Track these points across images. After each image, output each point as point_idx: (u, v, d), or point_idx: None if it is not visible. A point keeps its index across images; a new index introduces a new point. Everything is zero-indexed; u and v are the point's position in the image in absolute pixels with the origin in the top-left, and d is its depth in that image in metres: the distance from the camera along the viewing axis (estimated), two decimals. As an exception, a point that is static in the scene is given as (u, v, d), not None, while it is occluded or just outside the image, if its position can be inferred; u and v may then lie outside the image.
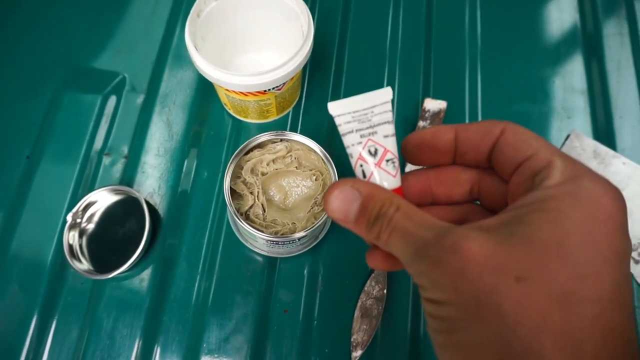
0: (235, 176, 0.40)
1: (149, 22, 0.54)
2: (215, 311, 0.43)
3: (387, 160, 0.22)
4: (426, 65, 0.54)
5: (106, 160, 0.48)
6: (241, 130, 0.49)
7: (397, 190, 0.23)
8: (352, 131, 0.23)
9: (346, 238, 0.45)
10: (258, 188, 0.39)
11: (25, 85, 0.50)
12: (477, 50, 0.55)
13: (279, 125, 0.50)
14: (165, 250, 0.45)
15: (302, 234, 0.37)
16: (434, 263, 0.18)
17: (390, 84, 0.53)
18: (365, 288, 0.43)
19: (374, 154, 0.23)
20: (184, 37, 0.53)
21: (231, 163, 0.38)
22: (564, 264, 0.17)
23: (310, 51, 0.41)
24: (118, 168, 0.47)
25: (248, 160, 0.40)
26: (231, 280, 0.44)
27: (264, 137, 0.40)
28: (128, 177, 0.47)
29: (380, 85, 0.52)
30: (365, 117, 0.23)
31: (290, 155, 0.41)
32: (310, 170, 0.41)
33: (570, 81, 0.53)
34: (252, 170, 0.40)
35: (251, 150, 0.40)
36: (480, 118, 0.51)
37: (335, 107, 0.23)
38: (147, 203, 0.45)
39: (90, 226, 0.45)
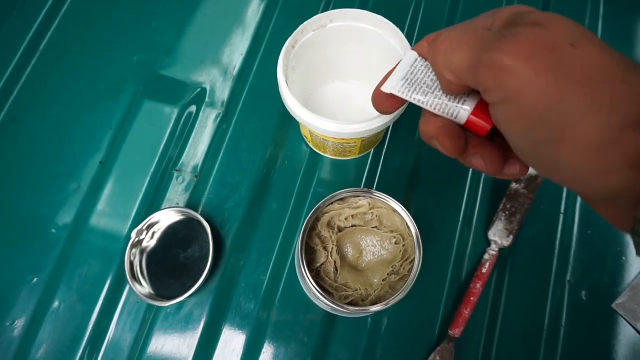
0: (310, 228, 0.37)
1: (235, 34, 0.51)
2: (267, 355, 0.41)
3: None
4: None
5: (176, 176, 0.46)
6: (317, 165, 0.47)
7: None
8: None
9: (414, 304, 0.42)
10: (333, 244, 0.37)
11: (106, 88, 0.49)
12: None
13: (358, 164, 0.47)
14: (224, 282, 0.43)
15: (377, 307, 0.34)
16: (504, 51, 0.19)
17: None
18: None
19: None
20: (269, 54, 0.51)
21: (309, 218, 0.36)
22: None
23: (409, 101, 0.37)
24: (187, 186, 0.46)
25: (326, 213, 0.37)
26: (287, 326, 0.42)
27: (346, 192, 0.36)
28: (196, 197, 0.45)
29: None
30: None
31: (372, 213, 0.38)
32: (392, 231, 0.37)
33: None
34: (329, 223, 0.37)
35: (331, 203, 0.37)
36: None
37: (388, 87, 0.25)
38: (212, 230, 0.43)
39: (152, 245, 0.44)
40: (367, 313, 0.35)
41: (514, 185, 0.44)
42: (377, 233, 0.37)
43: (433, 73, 0.25)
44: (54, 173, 0.46)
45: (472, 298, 0.41)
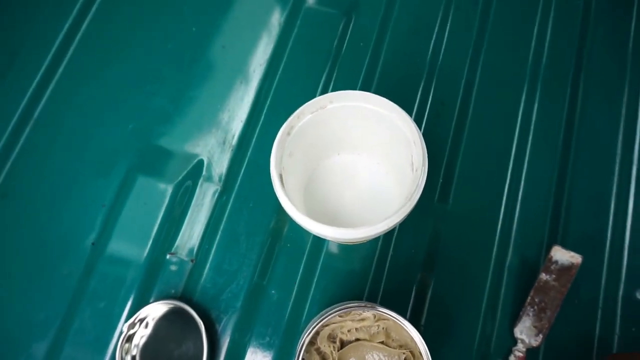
0: (309, 342, 0.33)
1: (234, 100, 0.48)
2: None
3: None
4: (559, 190, 0.43)
5: (172, 260, 0.43)
6: (322, 248, 0.43)
7: None
8: None
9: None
10: (334, 361, 0.32)
11: (100, 161, 0.46)
12: (630, 179, 0.43)
13: (367, 247, 0.42)
14: (221, 382, 0.40)
15: None
16: None
17: (511, 202, 0.43)
18: None
19: None
20: (269, 121, 0.47)
21: (307, 334, 0.32)
22: None
23: (419, 197, 0.33)
24: (183, 272, 0.43)
25: (326, 325, 0.33)
26: None
27: (349, 305, 0.32)
28: (192, 285, 0.42)
29: (495, 204, 0.43)
30: None
31: (378, 325, 0.33)
32: (400, 346, 0.33)
33: None
34: (330, 337, 0.33)
35: (330, 315, 0.33)
36: (622, 282, 0.40)
37: None
38: (207, 325, 0.40)
39: (144, 341, 0.41)
40: None
41: (543, 277, 0.39)
42: (385, 349, 0.33)
43: None
44: (45, 256, 0.44)
45: None
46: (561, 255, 0.39)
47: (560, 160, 0.44)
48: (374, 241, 0.42)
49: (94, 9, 0.52)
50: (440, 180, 0.45)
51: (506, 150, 0.45)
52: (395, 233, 0.43)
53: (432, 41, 0.49)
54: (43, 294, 0.43)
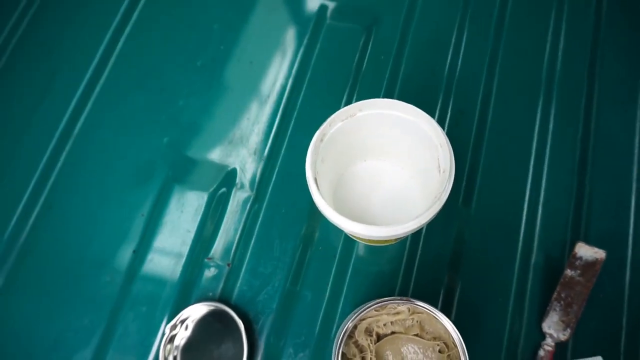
0: (348, 336, 0.35)
1: (263, 112, 0.50)
2: None
3: None
4: (579, 191, 0.45)
5: (209, 265, 0.45)
6: (352, 251, 0.44)
7: None
8: None
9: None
10: (371, 354, 0.34)
11: (137, 173, 0.49)
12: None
13: (396, 248, 0.44)
14: (259, 380, 0.41)
15: None
16: None
17: (533, 205, 0.45)
18: None
19: None
20: (297, 131, 0.49)
21: (345, 328, 0.33)
22: None
23: (447, 197, 0.35)
24: (220, 276, 0.45)
25: (363, 319, 0.35)
26: None
27: (385, 300, 0.34)
28: (229, 288, 0.44)
29: (517, 207, 0.45)
30: None
31: (412, 319, 0.35)
32: (434, 338, 0.35)
33: None
34: (367, 330, 0.35)
35: (368, 309, 0.35)
36: None
37: None
38: (246, 325, 0.42)
39: (185, 342, 0.43)
40: None
41: (568, 273, 0.40)
42: (420, 341, 0.35)
43: None
44: (88, 265, 0.46)
45: None
46: (585, 251, 0.40)
47: (579, 164, 0.46)
48: (401, 243, 0.44)
49: (128, 28, 0.55)
50: (464, 185, 0.46)
51: (526, 155, 0.47)
52: (423, 235, 0.45)
53: (450, 52, 0.51)
54: (87, 301, 0.45)
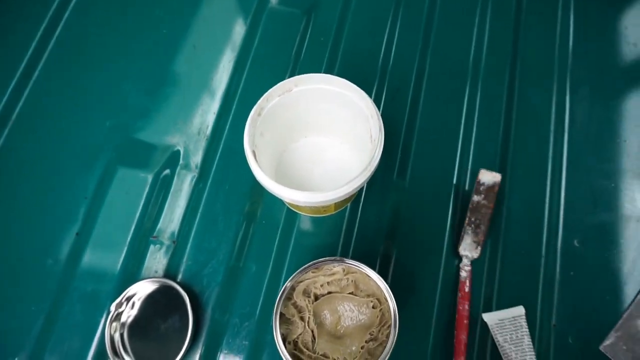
0: (286, 298, 0.37)
1: (206, 94, 0.51)
2: None
3: None
4: (503, 150, 0.49)
5: (154, 243, 0.46)
6: (295, 223, 0.46)
7: None
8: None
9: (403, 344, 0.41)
10: (309, 313, 0.36)
11: (80, 157, 0.49)
12: (563, 142, 0.49)
13: (335, 219, 0.46)
14: (206, 350, 0.43)
15: (354, 381, 0.33)
16: None
17: (462, 174, 0.48)
18: None
19: None
20: (241, 112, 0.51)
21: (281, 294, 0.35)
22: None
23: (378, 162, 0.37)
24: (165, 253, 0.45)
25: (301, 282, 0.37)
26: (273, 392, 0.41)
27: (320, 260, 0.36)
28: (175, 265, 0.45)
29: (448, 176, 0.48)
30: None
31: (347, 278, 0.37)
32: (368, 296, 0.37)
33: (671, 193, 0.46)
34: (305, 292, 0.37)
35: (305, 271, 0.37)
36: (561, 215, 0.46)
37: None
38: (191, 299, 0.43)
39: (132, 318, 0.43)
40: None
41: (475, 198, 0.44)
42: (354, 298, 0.37)
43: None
44: (29, 247, 0.45)
45: (465, 321, 0.41)
46: (486, 176, 0.45)
47: (503, 133, 0.50)
48: (340, 215, 0.47)
49: (67, 13, 0.55)
50: (398, 159, 0.49)
51: (455, 129, 0.50)
52: (360, 207, 0.47)
53: (386, 34, 0.54)
54: (30, 285, 0.45)
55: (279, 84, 0.39)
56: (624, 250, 0.45)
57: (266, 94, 0.39)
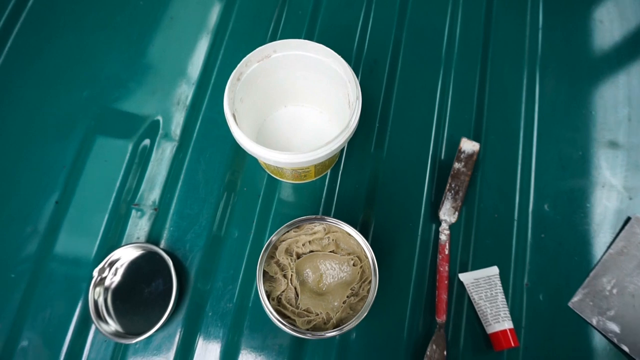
0: (269, 256, 0.37)
1: (185, 64, 0.52)
2: (238, 386, 0.41)
3: None
4: (477, 121, 0.50)
5: (135, 211, 0.46)
6: (276, 190, 0.47)
7: None
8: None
9: (381, 310, 0.43)
10: (292, 271, 0.37)
11: (57, 126, 0.49)
12: (533, 114, 0.51)
13: (316, 186, 0.47)
14: (191, 313, 0.43)
15: (333, 333, 0.34)
16: None
17: (438, 144, 0.49)
18: (428, 353, 0.41)
19: None
20: (220, 82, 0.51)
21: (265, 249, 0.36)
22: None
23: (357, 124, 0.38)
24: (147, 220, 0.46)
25: (283, 241, 0.38)
26: (257, 351, 0.42)
27: (300, 220, 0.37)
28: (157, 231, 0.45)
29: (424, 146, 0.49)
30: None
31: (328, 237, 0.38)
32: (349, 254, 0.38)
33: (635, 158, 0.49)
34: (287, 251, 0.38)
35: (287, 231, 0.38)
36: (532, 182, 0.47)
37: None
38: (175, 263, 0.43)
39: (116, 283, 0.44)
40: (327, 337, 0.36)
41: (456, 165, 0.46)
42: (335, 257, 0.38)
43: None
44: (7, 216, 0.45)
45: (445, 282, 0.43)
46: (467, 145, 0.47)
47: (477, 105, 0.51)
48: (320, 182, 0.48)
49: (41, -16, 0.54)
50: (376, 130, 0.50)
51: (432, 99, 0.51)
52: (340, 175, 0.48)
53: (363, 8, 0.55)
54: (9, 251, 0.44)
55: (257, 49, 0.39)
56: (590, 214, 0.48)
57: (245, 58, 0.39)
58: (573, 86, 0.52)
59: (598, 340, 0.43)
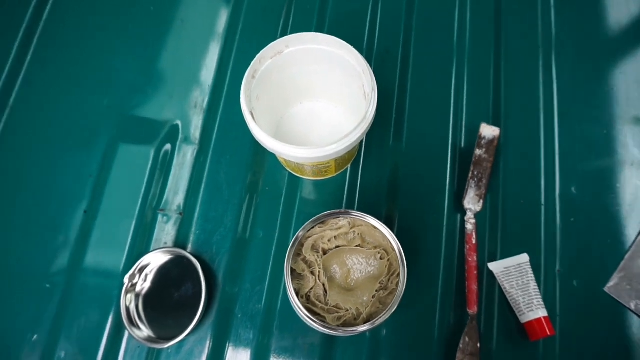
0: (296, 254, 0.37)
1: (200, 67, 0.52)
2: (272, 384, 0.41)
3: None
4: (495, 106, 0.49)
5: (161, 216, 0.47)
6: (297, 187, 0.47)
7: None
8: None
9: (410, 303, 0.42)
10: (319, 267, 0.37)
11: (81, 136, 0.49)
12: (552, 94, 0.50)
13: (337, 182, 0.47)
14: (220, 315, 0.44)
15: (365, 327, 0.34)
16: None
17: (457, 129, 0.49)
18: (461, 345, 0.40)
19: None
20: (235, 83, 0.51)
21: (291, 246, 0.36)
22: None
23: (374, 115, 0.38)
24: (173, 225, 0.46)
25: (309, 237, 0.38)
26: (288, 352, 0.42)
27: (325, 215, 0.37)
28: (183, 235, 0.46)
29: (444, 135, 0.49)
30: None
31: (354, 232, 0.38)
32: (375, 247, 0.38)
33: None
34: (313, 247, 0.38)
35: (312, 227, 0.38)
36: (557, 164, 0.46)
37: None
38: (203, 266, 0.43)
39: (146, 288, 0.44)
40: (359, 333, 0.36)
41: (477, 152, 0.45)
42: (362, 251, 0.38)
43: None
44: (40, 227, 0.46)
45: (475, 272, 0.42)
46: (487, 130, 0.46)
47: (494, 89, 0.50)
48: (341, 177, 0.47)
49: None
50: (393, 123, 0.50)
51: (447, 86, 0.51)
52: (360, 170, 0.48)
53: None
54: (41, 262, 0.45)
55: (270, 45, 0.39)
56: (620, 194, 0.46)
57: (258, 55, 0.39)
58: (591, 63, 0.51)
59: (638, 325, 0.42)
